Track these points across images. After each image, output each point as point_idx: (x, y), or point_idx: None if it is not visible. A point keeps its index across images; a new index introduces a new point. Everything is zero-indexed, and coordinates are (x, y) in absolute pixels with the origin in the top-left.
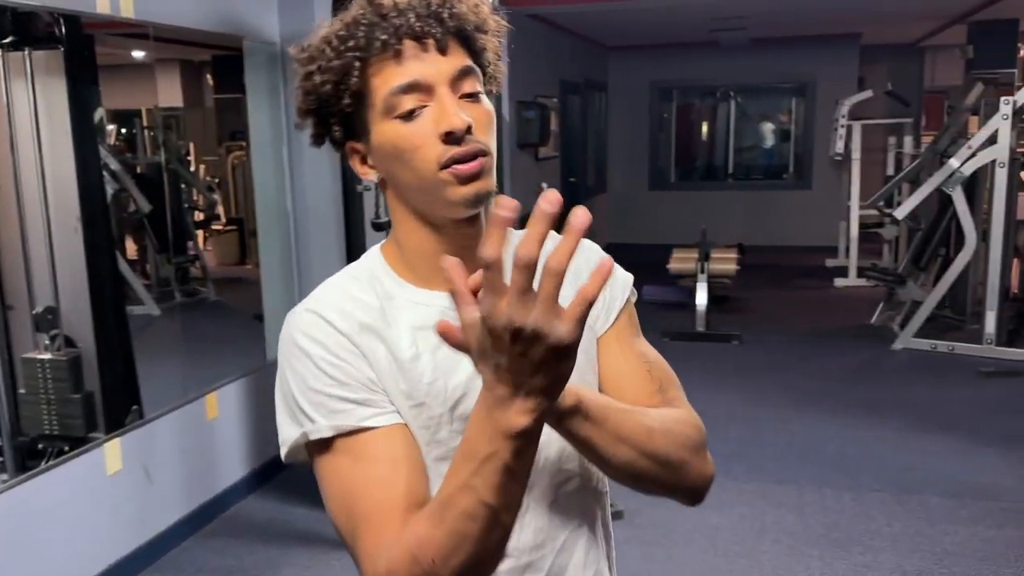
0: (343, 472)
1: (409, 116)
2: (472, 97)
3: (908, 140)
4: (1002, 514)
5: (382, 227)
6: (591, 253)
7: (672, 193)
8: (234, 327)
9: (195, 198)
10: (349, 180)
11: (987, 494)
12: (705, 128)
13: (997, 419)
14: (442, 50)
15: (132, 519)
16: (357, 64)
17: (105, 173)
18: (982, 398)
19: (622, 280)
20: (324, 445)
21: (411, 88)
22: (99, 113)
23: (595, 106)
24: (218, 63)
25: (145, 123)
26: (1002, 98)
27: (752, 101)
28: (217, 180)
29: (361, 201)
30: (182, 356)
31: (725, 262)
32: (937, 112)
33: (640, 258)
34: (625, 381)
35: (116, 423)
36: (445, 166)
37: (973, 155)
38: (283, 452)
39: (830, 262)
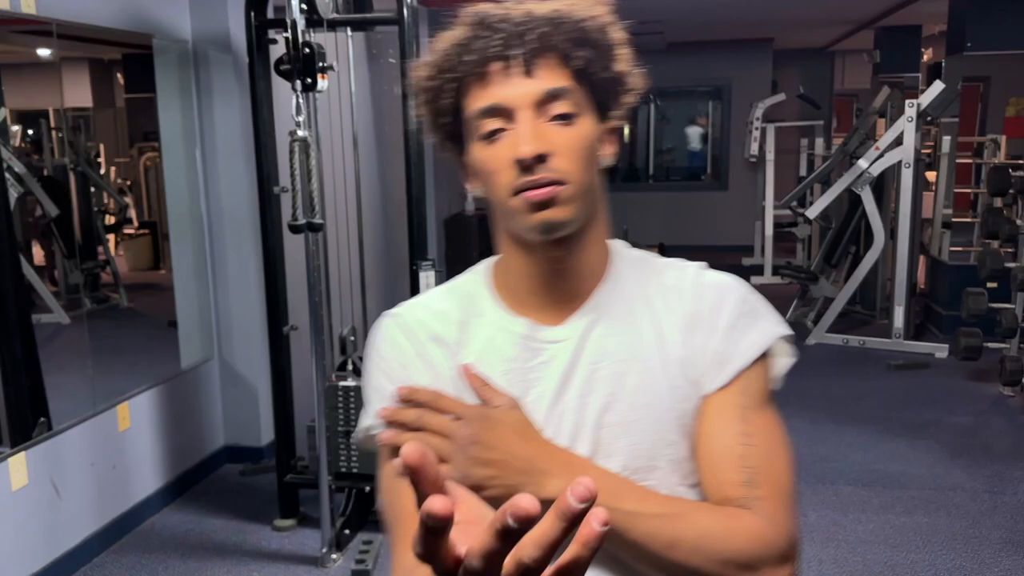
0: (387, 471)
1: (491, 138)
2: (565, 119)
3: (820, 142)
4: (911, 501)
5: (299, 229)
6: (703, 288)
7: None
8: (147, 334)
9: (105, 201)
10: (266, 181)
11: (897, 482)
12: (627, 131)
13: (905, 410)
14: (528, 71)
15: (40, 536)
16: (450, 86)
17: (9, 176)
18: (891, 390)
19: (755, 332)
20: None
21: (491, 112)
22: (2, 113)
23: None
24: (129, 61)
25: (52, 124)
26: (907, 101)
27: (670, 104)
28: (129, 183)
29: (278, 203)
30: (92, 365)
31: None
32: (847, 114)
33: None
34: (711, 461)
35: (22, 436)
36: (517, 192)
37: (880, 156)
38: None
39: (746, 261)
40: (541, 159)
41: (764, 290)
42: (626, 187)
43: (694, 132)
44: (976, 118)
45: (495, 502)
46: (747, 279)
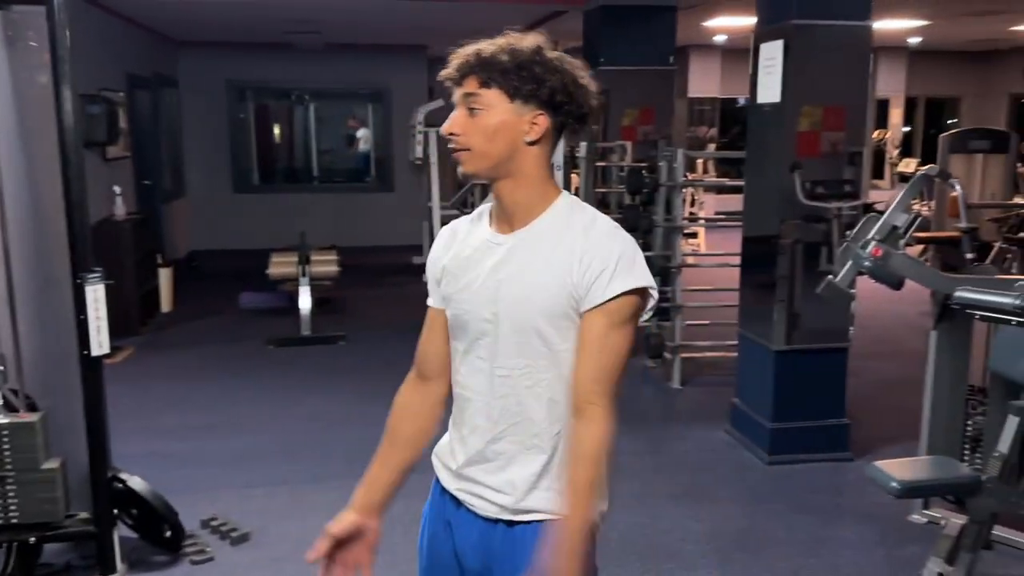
0: (427, 318)
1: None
2: (472, 111)
3: None
4: None
5: None
6: (591, 238)
7: (258, 196)
8: None
9: None
10: None
11: None
12: (285, 130)
13: None
14: (458, 83)
15: None
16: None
17: None
18: None
19: (634, 275)
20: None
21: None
22: None
23: (167, 103)
24: None
25: None
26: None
27: (330, 105)
28: None
29: None
30: None
31: (326, 264)
32: None
33: (231, 264)
34: (577, 365)
35: None
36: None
37: None
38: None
39: (417, 260)
40: (453, 135)
41: None
42: (291, 188)
43: (362, 134)
44: (601, 126)
45: None
46: (420, 277)
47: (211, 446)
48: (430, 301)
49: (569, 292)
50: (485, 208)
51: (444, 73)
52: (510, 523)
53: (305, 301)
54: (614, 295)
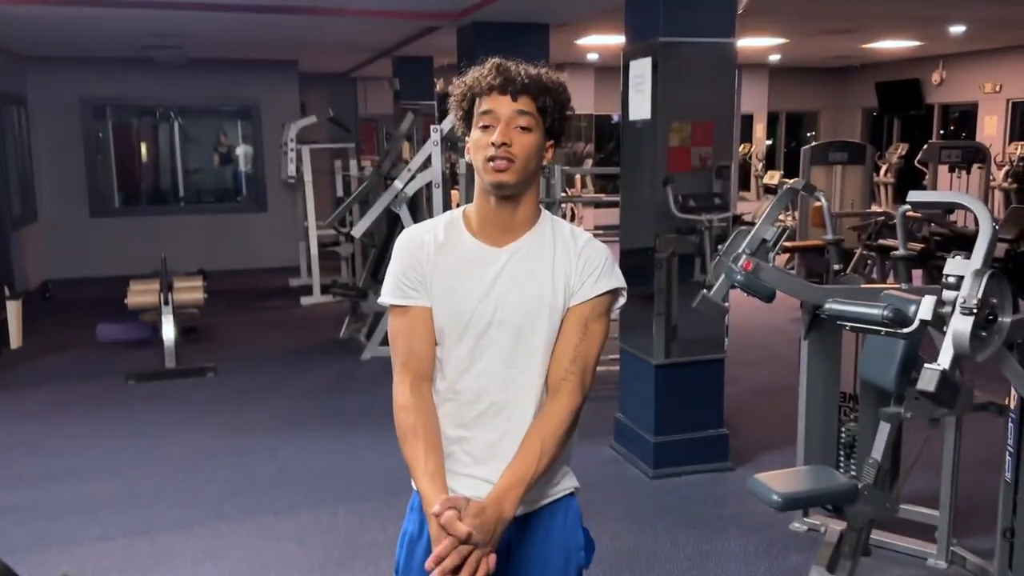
0: (396, 323)
1: (484, 129)
2: (524, 129)
3: (353, 163)
4: None
5: None
6: (585, 248)
7: (118, 220)
8: None
9: None
10: None
11: None
12: (147, 149)
13: None
14: (513, 98)
15: None
16: (471, 95)
17: None
18: None
19: (615, 277)
20: (392, 307)
21: (487, 113)
22: None
23: (14, 122)
24: None
25: None
26: (432, 127)
27: (196, 122)
28: None
29: None
30: None
31: (191, 291)
32: (370, 137)
33: (89, 293)
34: (563, 343)
35: None
36: (489, 159)
37: (413, 177)
38: (379, 300)
39: (294, 282)
40: (506, 144)
41: (316, 310)
42: (154, 210)
43: (241, 151)
44: None
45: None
46: (298, 300)
47: (65, 494)
48: (412, 302)
49: (564, 290)
50: (452, 218)
51: (490, 81)
52: (525, 514)
53: (168, 331)
54: (600, 292)
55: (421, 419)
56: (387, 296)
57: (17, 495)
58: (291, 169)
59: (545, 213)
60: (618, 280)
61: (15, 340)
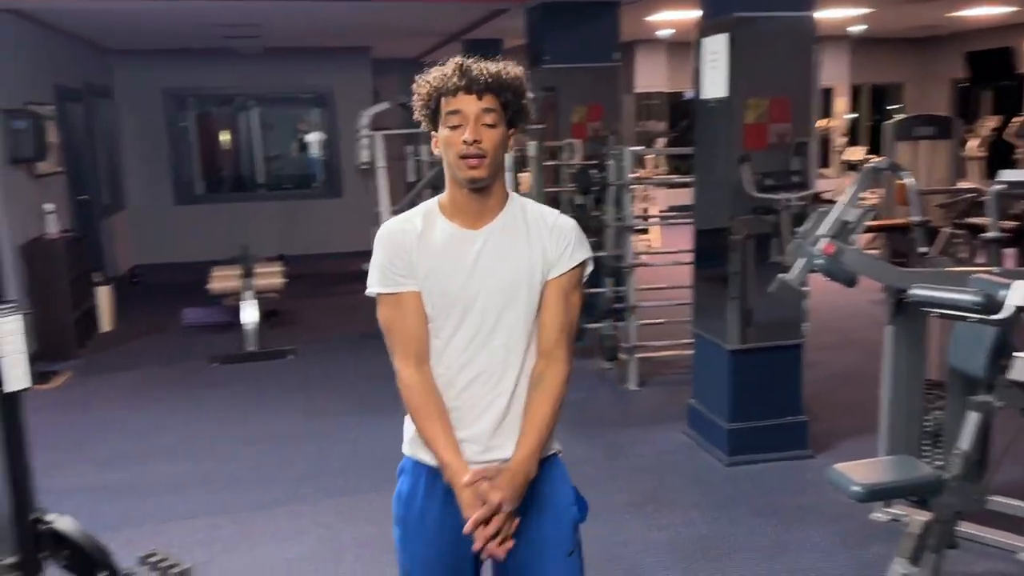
0: (387, 307)
1: (454, 128)
2: (489, 126)
3: (424, 148)
4: None
5: None
6: (556, 224)
7: (201, 207)
8: None
9: None
10: None
11: None
12: (228, 138)
13: None
14: (479, 96)
15: None
16: (437, 95)
17: None
18: None
19: (579, 252)
20: (381, 296)
21: (454, 112)
22: None
23: (102, 114)
24: None
25: None
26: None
27: (273, 111)
28: None
29: None
30: None
31: (271, 276)
32: None
33: (174, 278)
34: (548, 315)
35: None
36: (462, 157)
37: None
38: (368, 292)
39: (366, 266)
40: (477, 141)
41: None
42: (235, 197)
43: (313, 138)
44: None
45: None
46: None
47: (152, 475)
48: (402, 288)
49: (542, 264)
50: (428, 208)
51: (456, 82)
52: None
53: (250, 315)
54: (576, 264)
55: (431, 398)
56: (376, 286)
57: (108, 475)
58: (364, 155)
59: (513, 195)
60: (588, 251)
61: (106, 324)
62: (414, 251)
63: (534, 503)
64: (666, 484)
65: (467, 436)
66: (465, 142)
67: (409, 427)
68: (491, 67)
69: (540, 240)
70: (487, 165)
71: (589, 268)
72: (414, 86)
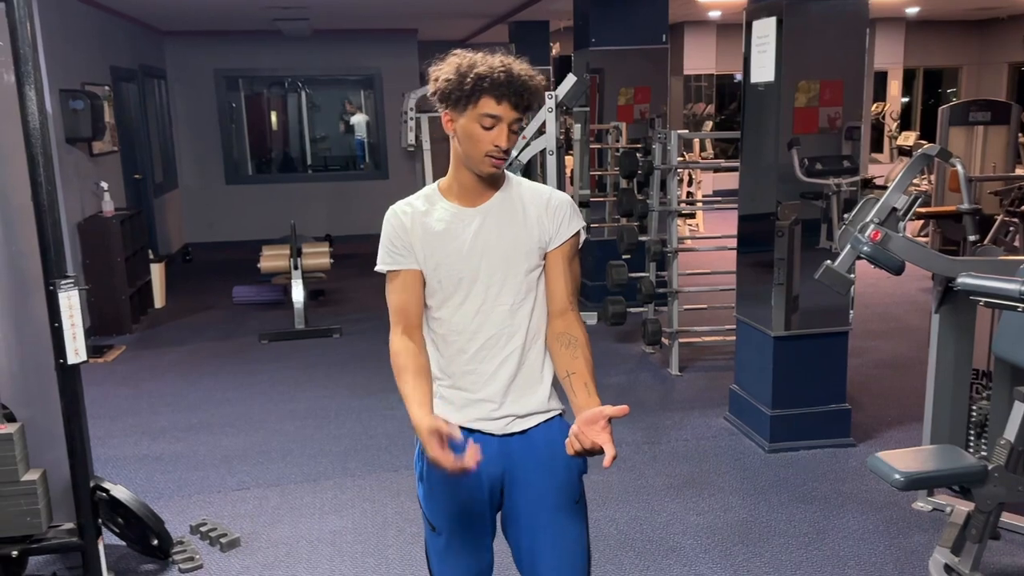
0: (393, 283)
1: (488, 128)
2: (516, 132)
3: None
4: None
5: None
6: (551, 200)
7: (251, 187)
8: None
9: None
10: None
11: None
12: (277, 119)
13: None
14: (515, 109)
15: None
16: (471, 86)
17: None
18: None
19: (579, 218)
20: (387, 273)
21: (492, 116)
22: None
23: (156, 95)
24: None
25: None
26: (546, 93)
27: (321, 92)
28: None
29: None
30: None
31: (318, 256)
32: None
33: (225, 257)
34: (555, 284)
35: None
36: (487, 155)
37: (527, 144)
38: (376, 268)
39: None
40: (506, 151)
41: None
42: (284, 177)
43: (360, 121)
44: (595, 107)
45: None
46: None
47: (203, 446)
48: (401, 266)
49: (541, 235)
50: (429, 192)
51: (505, 91)
52: (524, 431)
53: (298, 294)
54: (572, 234)
55: (411, 359)
56: (380, 264)
57: (161, 446)
58: (410, 137)
59: (509, 175)
60: (581, 221)
61: (159, 300)
62: (415, 232)
63: (544, 458)
64: (706, 469)
65: (484, 396)
66: (498, 147)
67: None
68: (531, 83)
69: (537, 214)
70: (504, 162)
71: (583, 237)
72: (444, 68)
